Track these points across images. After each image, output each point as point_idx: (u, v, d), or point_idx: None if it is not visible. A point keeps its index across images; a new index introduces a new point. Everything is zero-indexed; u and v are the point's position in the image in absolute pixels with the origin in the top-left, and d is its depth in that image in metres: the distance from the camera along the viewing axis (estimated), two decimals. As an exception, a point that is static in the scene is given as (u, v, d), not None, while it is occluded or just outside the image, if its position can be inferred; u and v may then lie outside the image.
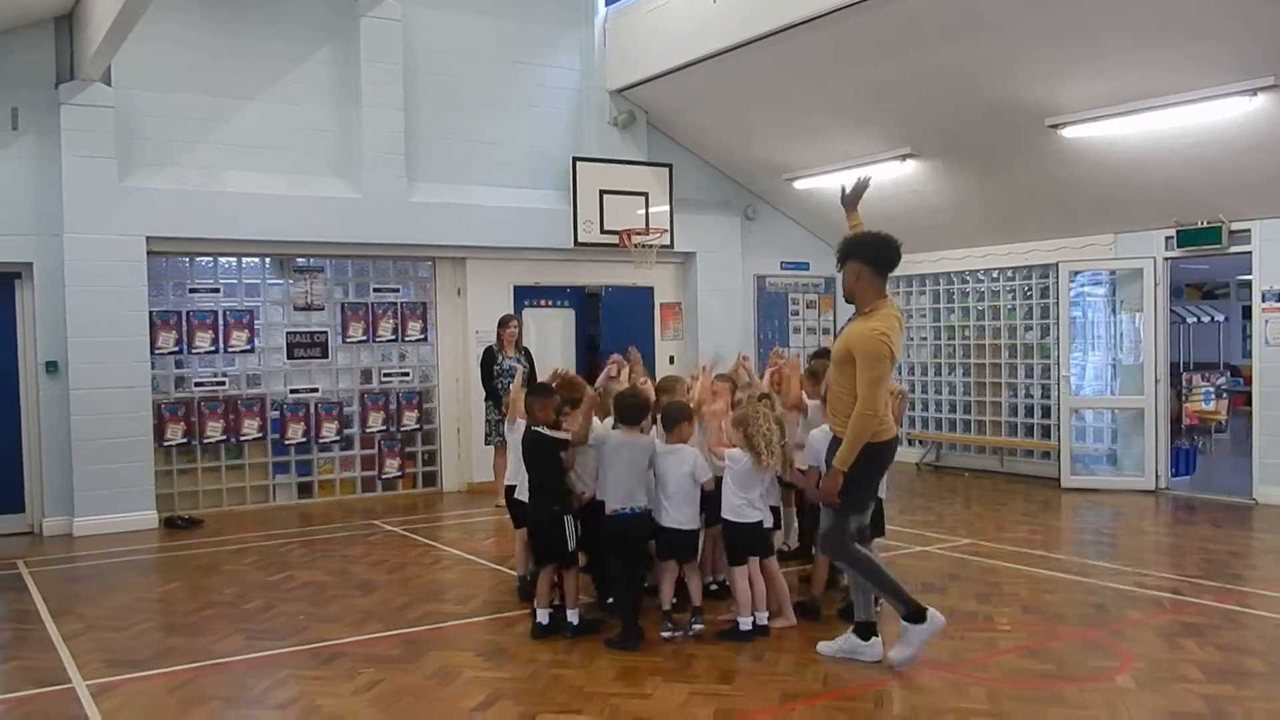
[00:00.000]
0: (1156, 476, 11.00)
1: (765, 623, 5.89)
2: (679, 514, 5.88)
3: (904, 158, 11.19)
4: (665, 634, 5.85)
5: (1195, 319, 18.04)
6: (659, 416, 6.15)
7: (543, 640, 5.90)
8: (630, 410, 6.00)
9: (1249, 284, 10.66)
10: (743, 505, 5.88)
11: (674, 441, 5.95)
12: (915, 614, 5.18)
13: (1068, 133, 9.71)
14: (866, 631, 5.45)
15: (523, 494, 6.39)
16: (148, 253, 9.93)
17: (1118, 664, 5.38)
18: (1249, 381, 11.25)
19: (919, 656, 5.24)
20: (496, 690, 5.13)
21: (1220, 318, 18.40)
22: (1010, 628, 6.11)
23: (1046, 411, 12.16)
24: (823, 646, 5.55)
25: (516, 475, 6.59)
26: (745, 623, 5.82)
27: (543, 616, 6.03)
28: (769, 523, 6.07)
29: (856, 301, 5.39)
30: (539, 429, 6.04)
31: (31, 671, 5.60)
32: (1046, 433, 12.12)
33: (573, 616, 6.01)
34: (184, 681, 5.38)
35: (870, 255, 5.31)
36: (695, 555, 6.15)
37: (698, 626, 5.89)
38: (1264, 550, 8.38)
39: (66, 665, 5.67)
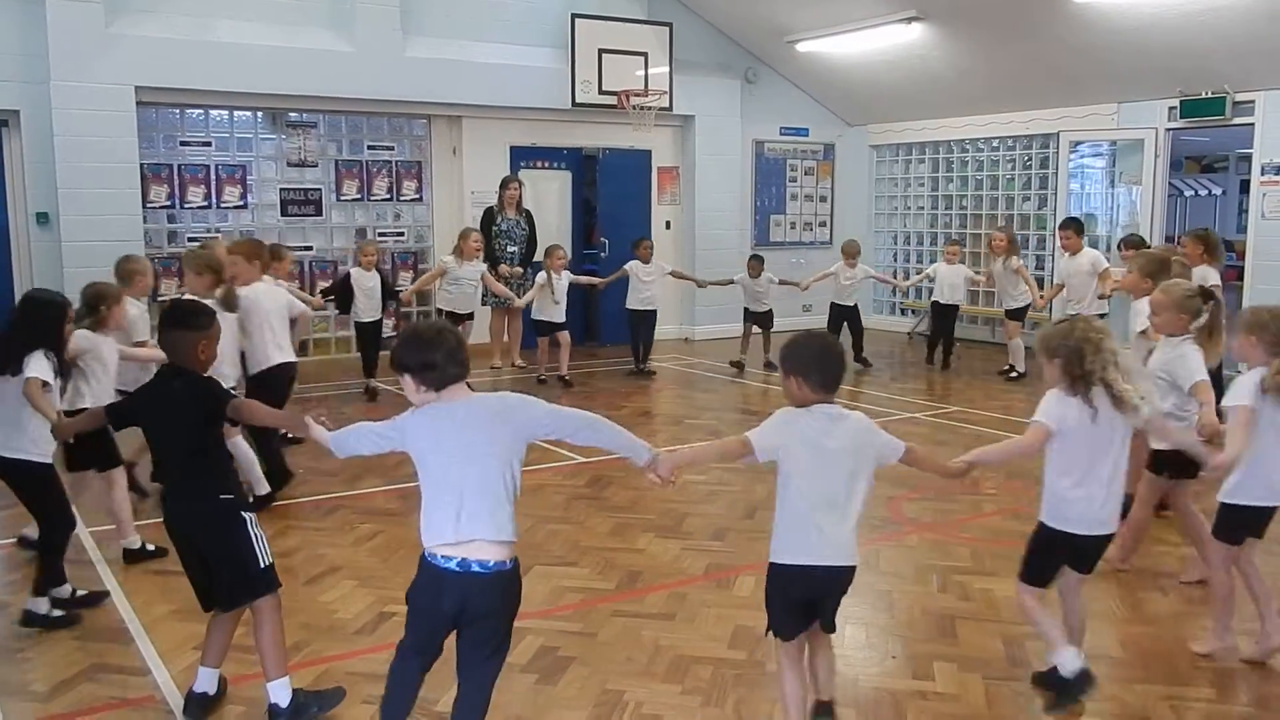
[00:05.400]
0: (1145, 349, 11.08)
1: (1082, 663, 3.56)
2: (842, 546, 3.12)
3: (909, 20, 10.93)
4: None
5: (1193, 192, 17.92)
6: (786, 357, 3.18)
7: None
8: (441, 357, 3.09)
9: (1248, 158, 10.60)
10: (1068, 491, 3.65)
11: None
12: None
13: (1079, -4, 9.50)
14: None
15: None
16: (137, 103, 9.73)
17: (1098, 528, 5.51)
18: (1241, 256, 11.26)
19: None
20: (494, 542, 5.24)
21: (1218, 191, 18.28)
22: (995, 491, 6.26)
23: (1040, 283, 12.16)
24: None
25: None
26: (1071, 661, 3.54)
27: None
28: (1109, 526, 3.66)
29: None
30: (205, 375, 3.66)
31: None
32: (1039, 304, 12.16)
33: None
34: (188, 529, 5.48)
35: None
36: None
37: None
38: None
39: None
